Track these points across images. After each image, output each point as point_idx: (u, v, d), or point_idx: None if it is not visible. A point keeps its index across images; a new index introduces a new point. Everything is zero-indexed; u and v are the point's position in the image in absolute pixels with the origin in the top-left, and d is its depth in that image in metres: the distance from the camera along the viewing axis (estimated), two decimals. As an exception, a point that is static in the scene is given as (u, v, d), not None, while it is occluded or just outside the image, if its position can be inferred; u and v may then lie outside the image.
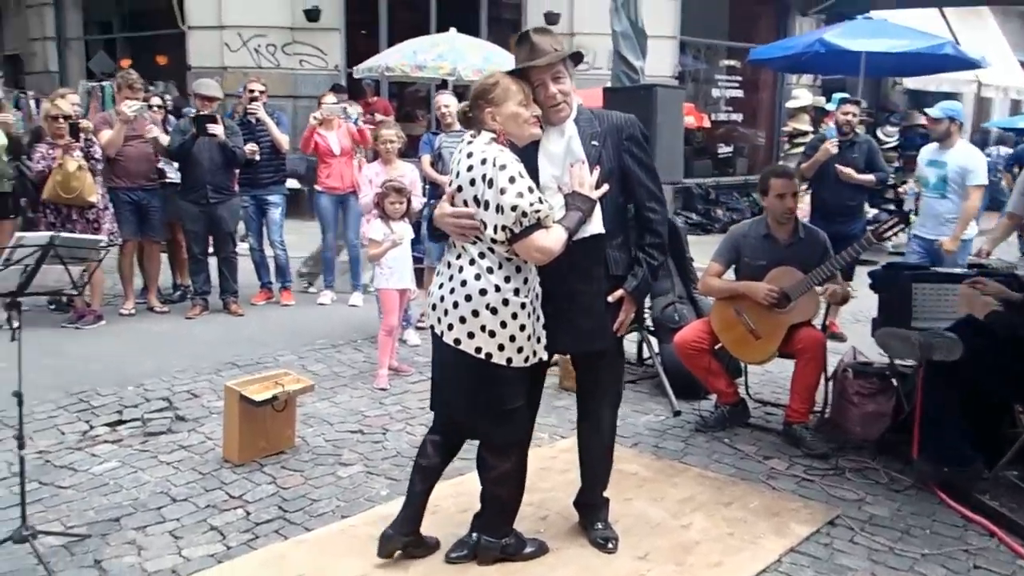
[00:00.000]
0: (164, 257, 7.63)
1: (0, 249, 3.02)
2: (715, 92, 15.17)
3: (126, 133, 6.62)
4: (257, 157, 7.05)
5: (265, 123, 7.10)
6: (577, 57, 3.08)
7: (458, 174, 2.94)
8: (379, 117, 11.47)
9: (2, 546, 3.13)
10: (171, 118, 7.74)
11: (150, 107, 7.14)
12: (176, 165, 6.93)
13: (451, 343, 2.95)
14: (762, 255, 4.72)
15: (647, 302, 5.73)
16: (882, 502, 3.89)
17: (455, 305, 2.93)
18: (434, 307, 3.01)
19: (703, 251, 5.65)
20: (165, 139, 6.81)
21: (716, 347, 4.77)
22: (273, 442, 4.27)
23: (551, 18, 12.53)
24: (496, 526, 3.23)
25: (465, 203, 2.92)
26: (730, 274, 4.88)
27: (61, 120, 6.14)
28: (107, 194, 6.59)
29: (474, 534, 3.26)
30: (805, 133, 11.65)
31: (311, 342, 6.28)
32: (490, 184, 2.83)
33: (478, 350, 2.92)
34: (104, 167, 6.50)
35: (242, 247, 7.50)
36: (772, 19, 15.37)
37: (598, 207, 3.04)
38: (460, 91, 7.96)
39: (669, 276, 5.70)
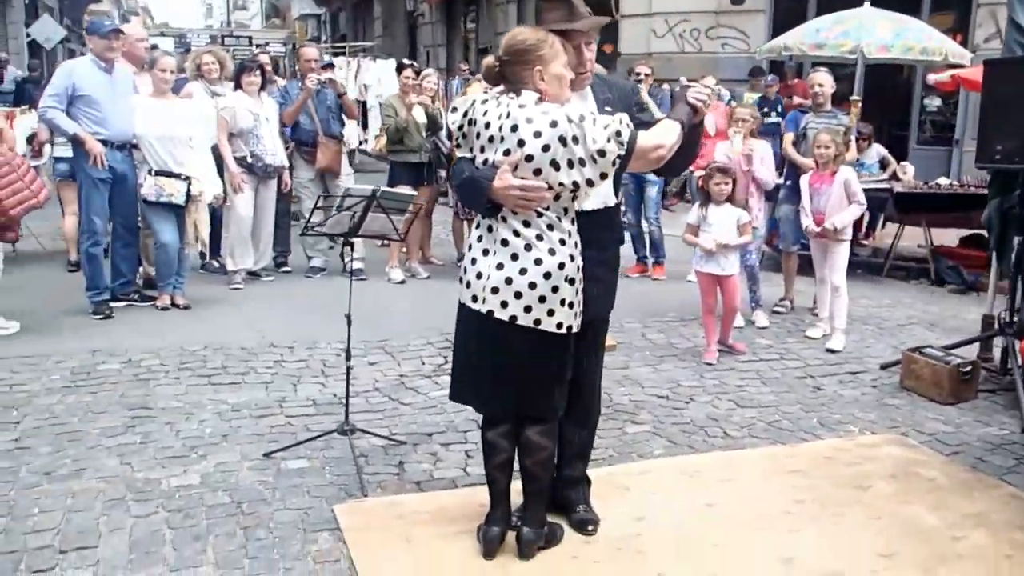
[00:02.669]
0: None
1: (332, 196, 3.80)
2: None
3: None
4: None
5: (647, 104, 7.47)
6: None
7: (522, 142, 2.76)
8: (796, 100, 11.28)
9: (332, 436, 3.96)
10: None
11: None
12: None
13: (530, 324, 2.84)
14: None
15: (1017, 302, 5.08)
16: None
17: (532, 286, 2.81)
18: (496, 290, 2.84)
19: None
20: None
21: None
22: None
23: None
24: (541, 515, 3.10)
25: (538, 172, 2.77)
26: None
27: (471, 88, 7.18)
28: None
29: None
30: None
31: (662, 314, 6.56)
32: (575, 141, 2.73)
33: (559, 325, 2.87)
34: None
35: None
36: None
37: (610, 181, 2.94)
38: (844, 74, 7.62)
39: (1046, 276, 4.97)
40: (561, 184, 2.79)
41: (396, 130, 7.12)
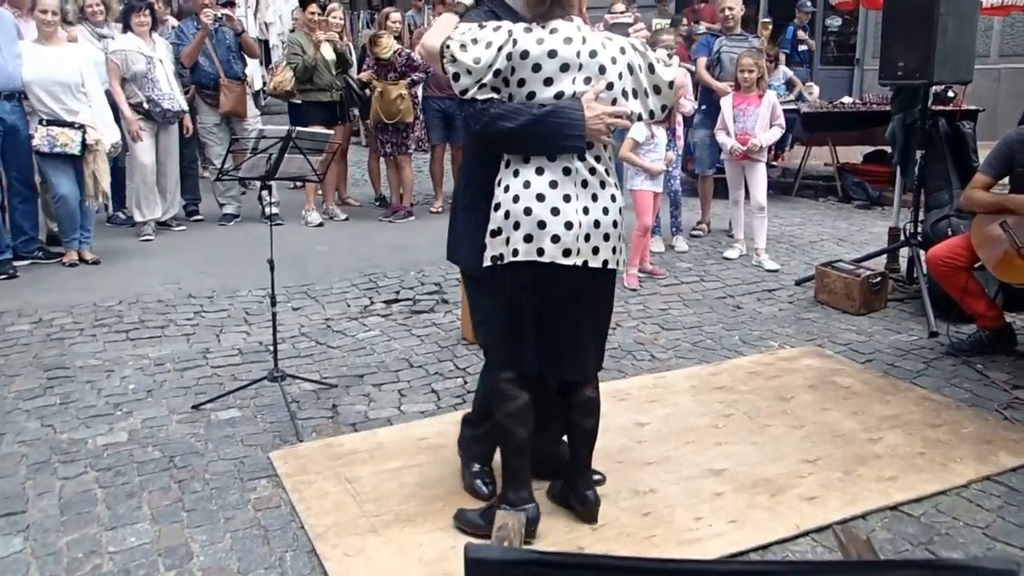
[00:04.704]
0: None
1: (245, 139, 3.68)
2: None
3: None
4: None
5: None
6: None
7: (603, 68, 2.57)
8: (703, 26, 11.32)
9: (261, 383, 3.90)
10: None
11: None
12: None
13: (616, 266, 2.69)
14: (1043, 165, 4.16)
15: (921, 215, 5.29)
16: None
17: (615, 224, 2.65)
18: (588, 237, 2.59)
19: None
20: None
21: (976, 265, 4.32)
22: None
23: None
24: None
25: (614, 102, 2.61)
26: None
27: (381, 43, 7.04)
28: (420, 104, 7.39)
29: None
30: None
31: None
32: (640, 69, 2.65)
33: (620, 262, 2.75)
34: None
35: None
36: None
37: None
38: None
39: (947, 187, 5.20)
40: (631, 113, 2.67)
41: (305, 69, 6.90)
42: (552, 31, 2.56)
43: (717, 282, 5.71)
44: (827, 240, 6.82)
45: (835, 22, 12.71)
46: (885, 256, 5.66)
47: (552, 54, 2.53)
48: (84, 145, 5.79)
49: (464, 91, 2.58)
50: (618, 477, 3.17)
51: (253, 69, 7.85)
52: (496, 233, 2.65)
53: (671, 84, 2.69)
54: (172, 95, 6.63)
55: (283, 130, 3.56)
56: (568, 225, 2.57)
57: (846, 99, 9.16)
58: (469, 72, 2.54)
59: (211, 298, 5.40)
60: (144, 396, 3.98)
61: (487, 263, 2.69)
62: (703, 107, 6.61)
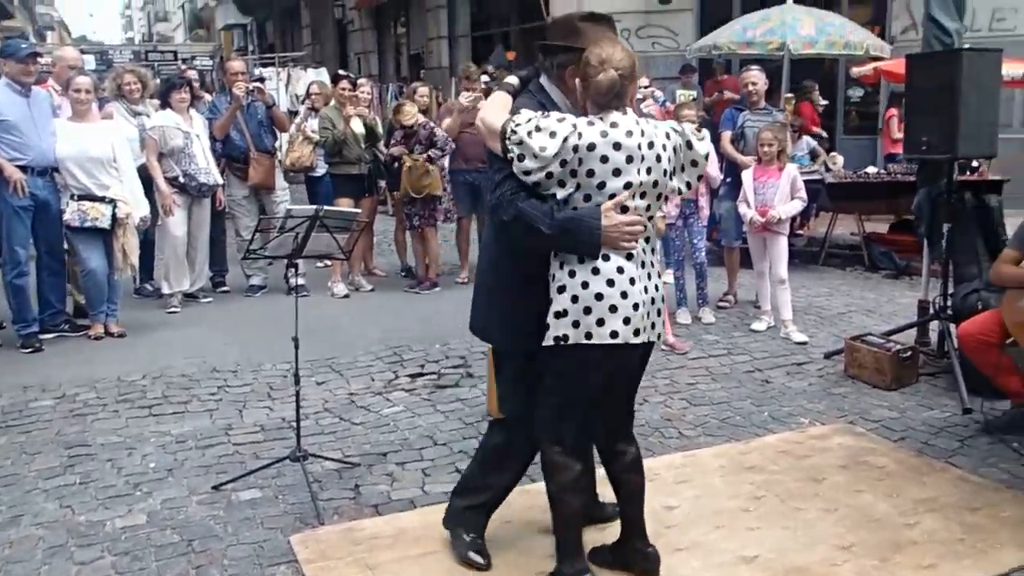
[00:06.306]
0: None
1: (272, 218, 3.71)
2: None
3: (462, 121, 7.41)
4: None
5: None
6: None
7: (659, 157, 2.71)
8: (727, 95, 11.43)
9: (283, 463, 3.85)
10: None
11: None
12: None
13: (659, 338, 2.86)
14: (1074, 239, 4.09)
15: (949, 288, 5.21)
16: None
17: (662, 299, 2.86)
18: (647, 314, 2.74)
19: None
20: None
21: (1008, 341, 4.23)
22: (532, 402, 4.64)
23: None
24: None
25: (656, 183, 2.73)
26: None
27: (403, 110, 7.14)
28: (447, 176, 7.47)
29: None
30: None
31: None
32: (689, 145, 2.83)
33: (661, 334, 2.90)
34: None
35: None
36: None
37: None
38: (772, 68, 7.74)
39: (975, 261, 5.13)
40: (673, 188, 2.86)
41: (334, 143, 7.01)
42: (613, 124, 2.65)
43: (745, 355, 5.64)
44: (855, 311, 6.73)
45: (857, 92, 12.80)
46: (915, 329, 5.57)
47: (617, 146, 2.64)
48: (114, 219, 5.88)
49: (527, 172, 2.64)
50: (646, 564, 3.08)
51: (283, 142, 8.00)
52: (562, 315, 2.70)
53: (706, 156, 2.90)
54: (208, 169, 6.76)
55: (310, 209, 3.59)
56: (636, 307, 2.70)
57: (871, 168, 9.14)
58: (535, 156, 2.60)
59: (235, 372, 5.40)
60: (164, 475, 3.95)
61: (548, 342, 2.73)
62: (728, 179, 6.62)
